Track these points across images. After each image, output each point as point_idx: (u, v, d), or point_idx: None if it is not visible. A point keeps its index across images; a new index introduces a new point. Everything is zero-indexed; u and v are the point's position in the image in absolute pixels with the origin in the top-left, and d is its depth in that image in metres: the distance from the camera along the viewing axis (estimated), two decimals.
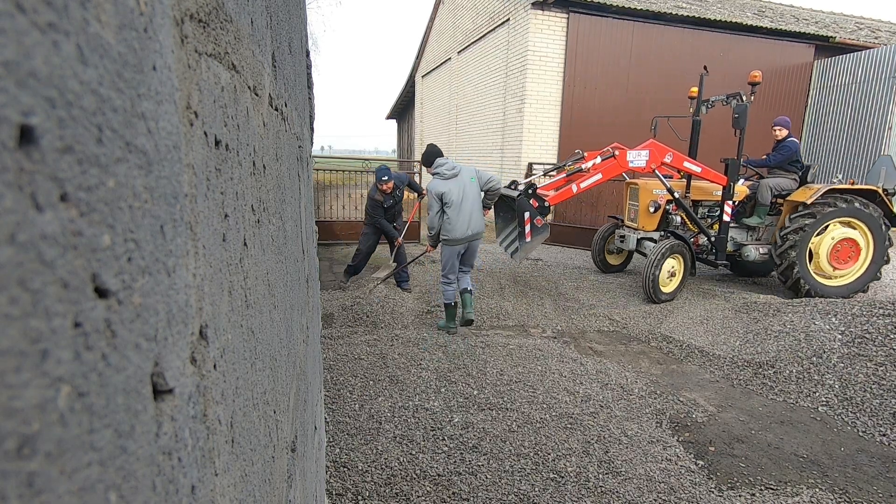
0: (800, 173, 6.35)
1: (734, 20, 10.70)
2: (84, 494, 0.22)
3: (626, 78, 10.48)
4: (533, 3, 9.50)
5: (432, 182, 4.62)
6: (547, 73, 9.99)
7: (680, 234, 6.21)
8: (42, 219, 0.20)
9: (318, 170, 9.01)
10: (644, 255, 6.43)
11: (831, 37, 11.48)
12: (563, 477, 2.68)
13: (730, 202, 6.23)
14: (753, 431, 3.23)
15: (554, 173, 6.58)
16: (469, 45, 13.31)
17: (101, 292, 0.24)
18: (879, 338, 4.09)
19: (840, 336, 4.30)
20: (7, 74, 0.18)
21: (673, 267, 5.95)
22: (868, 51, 10.79)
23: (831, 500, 2.58)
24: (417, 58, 19.31)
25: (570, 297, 6.08)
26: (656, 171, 6.18)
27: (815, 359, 4.21)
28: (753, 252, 6.36)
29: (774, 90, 11.50)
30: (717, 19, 10.51)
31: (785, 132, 6.37)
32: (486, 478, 2.65)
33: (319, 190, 9.07)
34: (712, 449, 3.02)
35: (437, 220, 4.62)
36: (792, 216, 6.05)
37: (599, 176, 5.99)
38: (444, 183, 4.56)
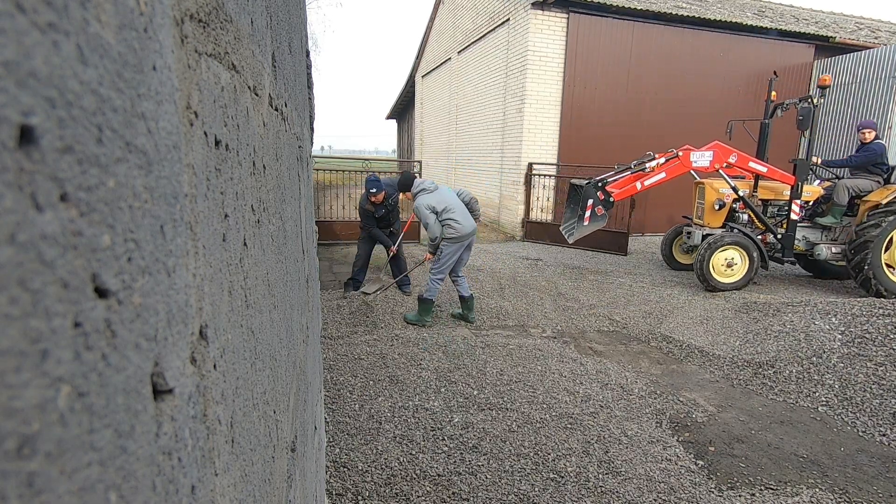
0: (884, 175, 6.38)
1: (734, 20, 10.70)
2: (84, 494, 0.22)
3: (626, 78, 10.48)
4: (533, 3, 9.50)
5: (420, 199, 4.78)
6: (547, 73, 9.99)
7: (743, 228, 6.42)
8: (42, 219, 0.20)
9: (318, 170, 9.01)
10: None
11: (831, 37, 11.48)
12: (563, 477, 2.68)
13: (797, 201, 6.39)
14: (753, 431, 3.23)
15: (625, 173, 6.79)
16: (469, 45, 13.31)
17: (101, 292, 0.24)
18: (879, 338, 4.09)
19: (840, 336, 4.30)
20: (7, 74, 0.18)
21: (732, 258, 6.17)
22: (868, 51, 10.79)
23: (831, 500, 2.58)
24: (417, 58, 19.31)
25: (570, 297, 6.09)
26: (720, 171, 6.35)
27: (815, 359, 4.21)
28: (825, 251, 6.46)
29: (775, 90, 11.50)
30: (717, 19, 10.50)
31: (872, 135, 6.41)
32: (486, 478, 2.65)
33: (319, 190, 9.07)
34: (712, 449, 3.02)
35: (438, 227, 4.77)
36: (870, 213, 6.11)
37: (663, 175, 6.23)
38: (431, 195, 4.80)
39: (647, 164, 6.26)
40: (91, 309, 0.23)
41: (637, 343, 4.74)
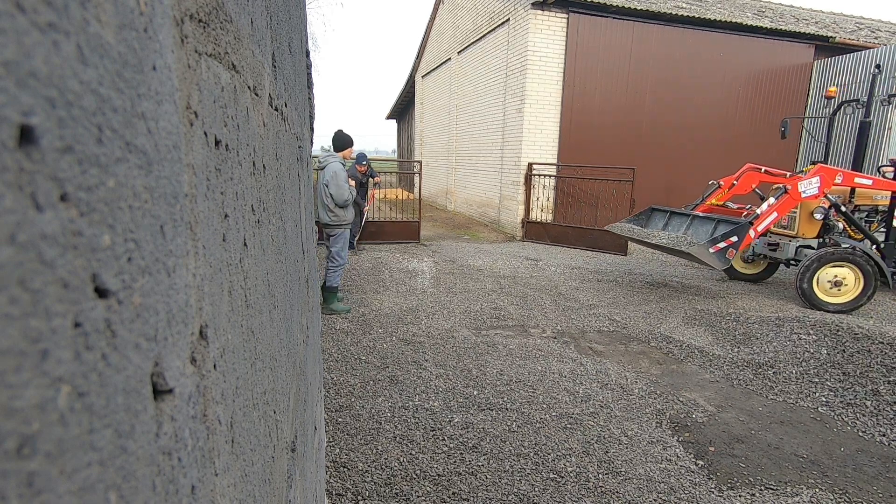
0: None
1: (734, 20, 10.70)
2: (84, 494, 0.22)
3: (626, 78, 10.49)
4: (533, 3, 9.50)
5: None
6: (547, 73, 9.99)
7: (859, 243, 5.93)
8: (42, 219, 0.20)
9: (318, 170, 9.00)
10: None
11: (831, 37, 11.48)
12: (563, 477, 2.68)
13: None
14: (753, 431, 3.23)
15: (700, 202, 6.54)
16: (469, 46, 13.31)
17: (101, 292, 0.24)
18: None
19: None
20: (7, 74, 0.18)
21: (841, 276, 5.67)
22: (868, 51, 10.79)
23: (831, 500, 2.58)
24: (417, 58, 19.31)
25: (570, 297, 6.09)
26: (829, 196, 5.98)
27: (814, 359, 4.21)
28: None
29: (774, 90, 11.51)
30: (717, 19, 10.51)
31: None
32: (486, 478, 2.65)
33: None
34: (712, 449, 3.02)
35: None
36: None
37: (776, 215, 5.80)
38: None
39: (758, 210, 5.83)
40: (91, 309, 0.23)
41: (637, 343, 4.74)
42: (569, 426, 3.18)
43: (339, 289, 5.36)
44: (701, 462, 2.88)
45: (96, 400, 0.23)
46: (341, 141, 5.28)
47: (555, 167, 10.33)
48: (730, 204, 6.25)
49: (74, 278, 0.22)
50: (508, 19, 10.63)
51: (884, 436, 3.17)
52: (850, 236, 6.36)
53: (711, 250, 5.41)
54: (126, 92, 0.27)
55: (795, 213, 6.27)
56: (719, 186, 6.45)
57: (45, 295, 0.20)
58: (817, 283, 5.69)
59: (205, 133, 0.42)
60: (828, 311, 5.65)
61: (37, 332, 0.20)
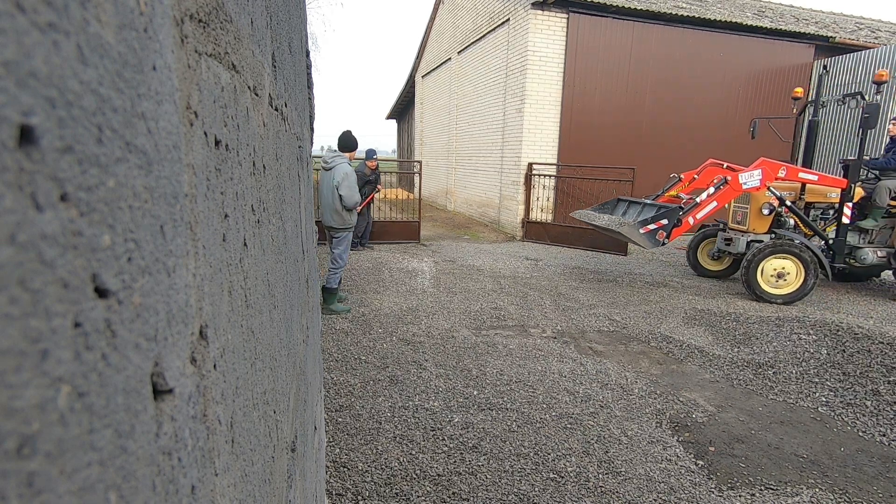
0: None
1: (734, 20, 10.70)
2: (84, 494, 0.22)
3: (626, 78, 10.49)
4: (533, 3, 9.50)
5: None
6: (547, 73, 9.99)
7: (800, 237, 6.09)
8: (42, 219, 0.20)
9: (318, 170, 9.00)
10: None
11: (831, 37, 11.49)
12: (563, 477, 2.68)
13: (849, 204, 6.12)
14: (753, 431, 3.23)
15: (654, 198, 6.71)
16: (469, 45, 13.31)
17: (101, 292, 0.24)
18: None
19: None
20: (7, 74, 0.18)
21: (784, 268, 5.85)
22: (868, 51, 10.79)
23: (831, 500, 2.58)
24: (417, 58, 19.30)
25: (570, 297, 6.09)
26: (771, 189, 6.12)
27: (814, 359, 4.21)
28: (871, 255, 6.23)
29: (774, 90, 11.51)
30: (717, 19, 10.51)
31: None
32: (486, 478, 2.65)
33: (319, 190, 9.06)
34: (712, 449, 3.02)
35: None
36: None
37: (715, 204, 6.00)
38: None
39: (698, 198, 6.03)
40: (91, 309, 0.23)
41: (637, 343, 4.74)
42: (569, 426, 3.18)
43: (340, 289, 5.42)
44: (701, 462, 2.88)
45: (96, 400, 0.23)
46: (350, 142, 5.28)
47: (555, 167, 10.33)
48: (682, 195, 6.34)
49: (74, 278, 0.22)
50: (508, 19, 10.63)
51: (884, 436, 3.17)
52: (804, 233, 6.52)
53: (641, 231, 5.76)
54: (126, 92, 0.27)
55: (745, 208, 6.51)
56: (680, 180, 6.59)
57: (45, 295, 0.20)
58: (761, 274, 5.88)
59: (205, 133, 0.42)
60: (771, 303, 5.88)
61: (37, 332, 0.20)
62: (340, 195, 4.95)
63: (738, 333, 4.93)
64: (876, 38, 12.86)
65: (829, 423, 3.37)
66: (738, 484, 2.70)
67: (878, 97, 5.93)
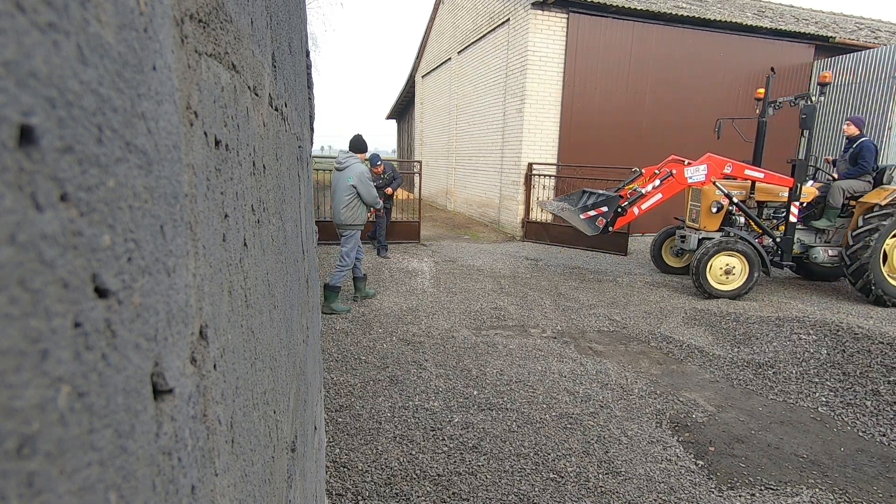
0: (874, 174, 6.25)
1: (734, 20, 10.70)
2: (84, 494, 0.22)
3: (626, 78, 10.49)
4: (533, 3, 9.50)
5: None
6: (547, 73, 9.99)
7: (744, 233, 6.24)
8: (42, 219, 0.20)
9: (318, 170, 9.01)
10: None
11: (831, 37, 11.49)
12: (563, 477, 2.68)
13: (796, 203, 6.23)
14: (753, 431, 3.23)
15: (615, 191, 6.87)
16: (469, 45, 13.31)
17: (101, 292, 0.24)
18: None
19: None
20: (7, 74, 0.18)
21: (729, 265, 6.00)
22: (868, 51, 10.79)
23: (831, 500, 2.58)
24: (417, 58, 19.30)
25: (570, 297, 6.09)
26: (715, 182, 6.24)
27: (814, 359, 4.21)
28: (822, 254, 6.33)
29: (774, 90, 11.49)
30: (717, 19, 10.51)
31: (855, 130, 6.29)
32: (486, 478, 2.65)
33: (319, 190, 9.07)
34: (712, 449, 3.02)
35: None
36: (866, 216, 5.96)
37: (660, 196, 6.17)
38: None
39: (643, 189, 6.19)
40: (91, 309, 0.23)
41: (637, 343, 4.74)
42: (569, 426, 3.18)
43: (366, 286, 5.65)
44: (701, 462, 2.88)
45: (96, 400, 0.23)
46: (361, 144, 5.51)
47: (555, 167, 10.33)
48: (638, 189, 6.40)
49: (74, 278, 0.22)
50: (508, 19, 10.63)
51: (884, 436, 3.17)
52: (753, 231, 6.66)
53: (582, 216, 6.12)
54: (126, 92, 0.27)
55: (697, 206, 6.71)
56: (641, 174, 6.70)
57: (45, 295, 0.20)
58: (710, 270, 6.03)
59: (205, 133, 0.42)
60: (718, 297, 6.03)
61: (37, 332, 0.20)
62: (360, 194, 5.17)
63: (738, 333, 4.93)
64: (876, 38, 12.86)
65: (829, 423, 3.37)
66: (738, 484, 2.70)
67: (823, 98, 6.13)
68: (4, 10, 0.19)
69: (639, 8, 9.96)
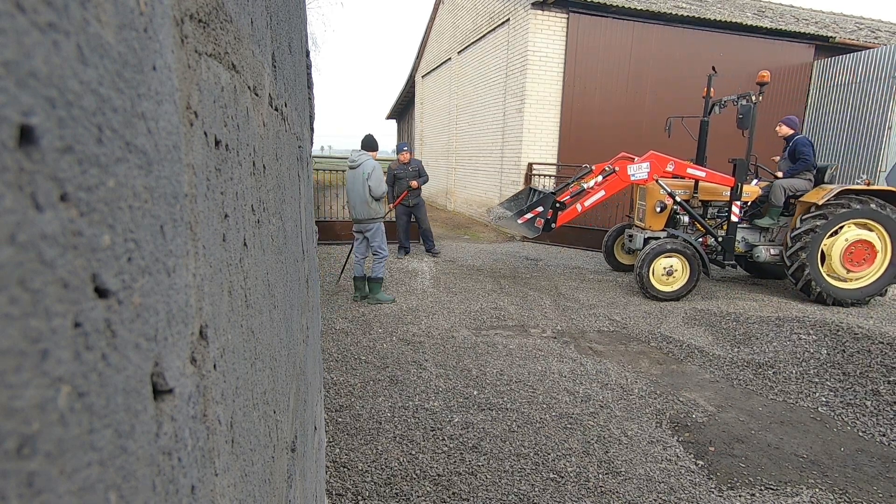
0: (814, 173, 6.29)
1: (734, 20, 10.70)
2: (84, 494, 0.22)
3: (626, 78, 10.48)
4: (533, 3, 9.50)
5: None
6: (547, 73, 9.99)
7: (685, 234, 6.24)
8: (42, 219, 0.20)
9: (318, 170, 9.02)
10: None
11: (831, 37, 11.48)
12: (563, 477, 2.68)
13: (737, 203, 6.24)
14: (753, 431, 3.23)
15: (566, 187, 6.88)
16: (469, 45, 13.30)
17: (101, 292, 0.24)
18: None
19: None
20: (7, 74, 0.18)
21: (672, 266, 6.00)
22: (868, 51, 10.79)
23: (831, 500, 2.58)
24: (417, 58, 19.30)
25: (570, 297, 6.09)
26: (658, 180, 6.24)
27: (814, 359, 4.21)
28: (764, 253, 6.36)
29: (774, 90, 11.49)
30: (717, 19, 10.51)
31: (788, 129, 6.35)
32: (486, 478, 2.65)
33: (319, 190, 9.07)
34: (712, 449, 3.02)
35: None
36: (803, 217, 6.00)
37: (603, 193, 6.16)
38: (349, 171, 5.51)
39: (585, 185, 6.20)
40: (91, 309, 0.23)
41: (637, 343, 4.74)
42: (569, 426, 3.18)
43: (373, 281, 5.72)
44: (701, 462, 2.88)
45: (96, 400, 0.23)
46: (373, 143, 5.69)
47: (555, 167, 10.32)
48: (584, 185, 6.39)
49: (74, 278, 0.22)
50: (508, 19, 10.63)
51: (884, 436, 3.17)
52: (697, 230, 6.66)
53: (519, 221, 6.06)
54: (126, 92, 0.27)
55: (644, 205, 6.69)
56: (590, 171, 6.65)
57: (45, 295, 0.20)
58: (653, 273, 6.01)
59: (205, 133, 0.42)
60: (660, 299, 6.02)
61: (37, 332, 0.20)
62: (370, 186, 5.27)
63: (738, 333, 4.93)
64: (876, 38, 12.86)
65: (829, 423, 3.37)
66: (738, 484, 2.70)
67: (760, 98, 6.15)
68: (4, 10, 0.19)
69: (639, 8, 9.95)
